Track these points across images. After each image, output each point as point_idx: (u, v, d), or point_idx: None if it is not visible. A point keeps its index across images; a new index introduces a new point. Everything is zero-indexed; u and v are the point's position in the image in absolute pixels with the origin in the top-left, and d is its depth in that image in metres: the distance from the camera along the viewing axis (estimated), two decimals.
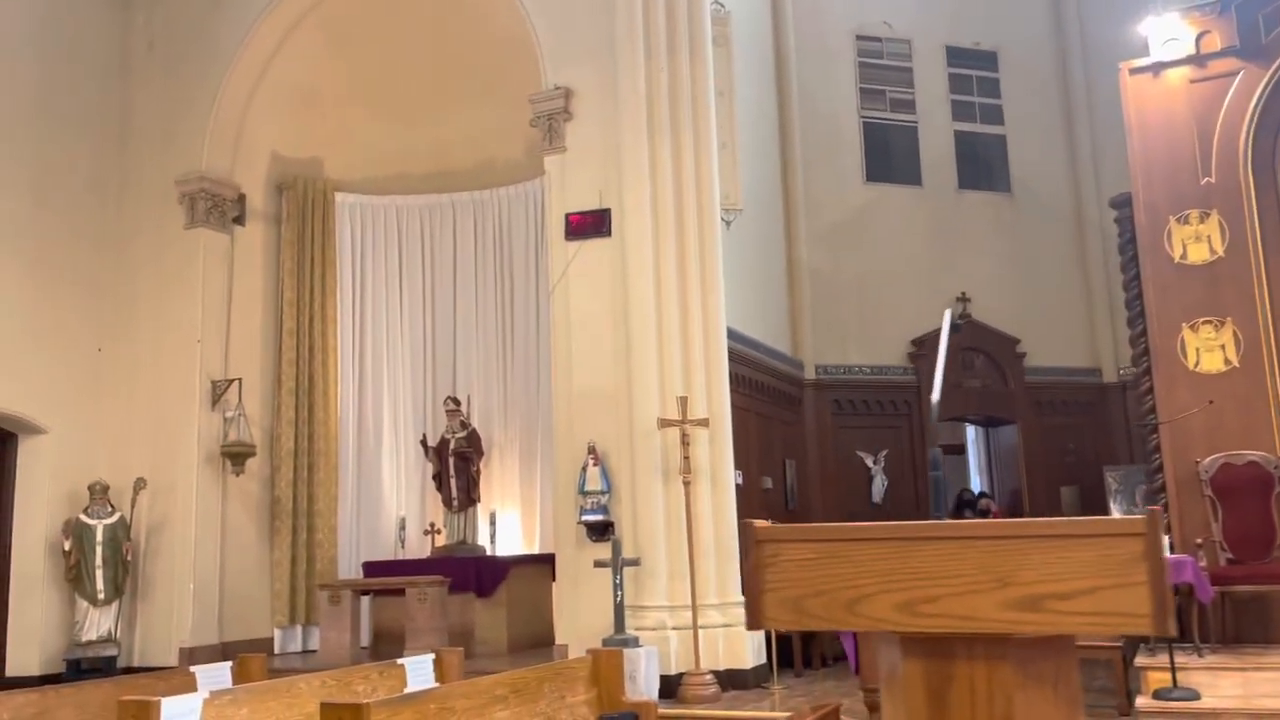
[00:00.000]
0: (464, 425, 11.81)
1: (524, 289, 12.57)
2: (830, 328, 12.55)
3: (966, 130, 13.72)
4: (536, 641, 11.16)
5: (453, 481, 11.64)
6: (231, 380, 11.35)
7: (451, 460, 11.64)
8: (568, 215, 9.61)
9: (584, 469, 9.08)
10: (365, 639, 10.96)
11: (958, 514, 10.81)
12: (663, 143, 9.33)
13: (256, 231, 12.27)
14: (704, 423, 8.65)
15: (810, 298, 12.45)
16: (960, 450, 14.48)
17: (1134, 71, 8.05)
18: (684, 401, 8.55)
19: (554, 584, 11.56)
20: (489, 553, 11.63)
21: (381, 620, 10.95)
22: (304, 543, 11.88)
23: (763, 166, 12.01)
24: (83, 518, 10.61)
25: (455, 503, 11.60)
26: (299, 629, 11.80)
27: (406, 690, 6.80)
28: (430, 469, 12.08)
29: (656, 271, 9.15)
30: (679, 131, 9.36)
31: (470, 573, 10.63)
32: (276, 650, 11.59)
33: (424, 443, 11.85)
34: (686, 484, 8.47)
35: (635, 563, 8.33)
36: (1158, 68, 8.05)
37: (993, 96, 13.89)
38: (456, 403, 11.86)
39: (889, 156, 13.35)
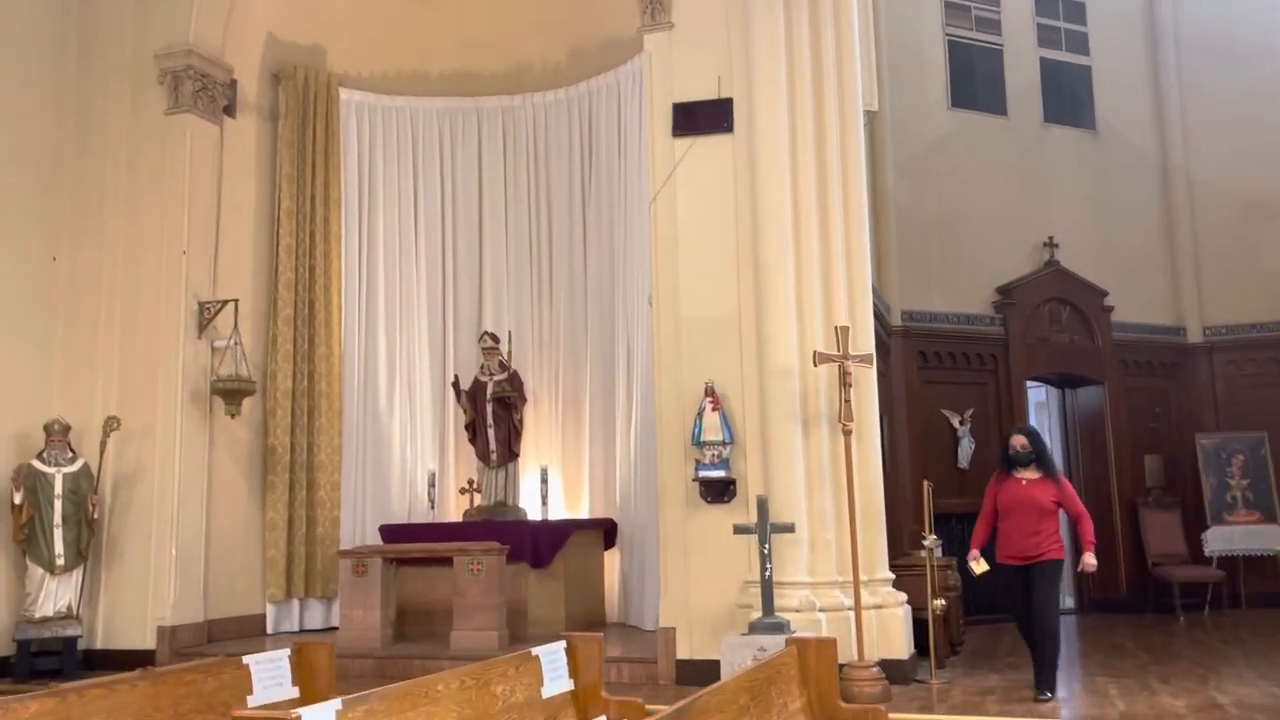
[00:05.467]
0: (503, 366, 9.98)
1: (564, 212, 10.76)
2: (913, 269, 11.06)
3: (1052, 58, 12.37)
4: (590, 621, 9.48)
5: (490, 432, 9.81)
6: (225, 302, 9.26)
7: (490, 407, 9.80)
8: (676, 105, 7.84)
9: (699, 414, 7.38)
10: None
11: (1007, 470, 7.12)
12: (799, 20, 7.64)
13: (249, 126, 10.14)
14: (868, 359, 7.05)
15: (895, 234, 10.92)
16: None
17: None
18: (844, 332, 6.92)
19: (606, 554, 9.98)
20: (531, 516, 9.85)
21: (406, 594, 9.08)
22: (303, 501, 9.92)
23: None
24: (37, 464, 8.45)
25: (494, 457, 9.77)
26: (295, 604, 9.85)
27: (545, 689, 5.36)
28: (459, 417, 10.23)
29: (794, 176, 7.48)
30: (818, 9, 7.68)
31: (525, 539, 8.85)
32: (269, 629, 9.64)
33: (456, 386, 9.97)
34: (847, 433, 6.85)
35: (789, 528, 6.70)
36: None
37: (1079, 23, 12.56)
38: (495, 339, 10.01)
39: (973, 81, 11.91)
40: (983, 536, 6.79)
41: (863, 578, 7.03)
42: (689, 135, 7.77)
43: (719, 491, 7.35)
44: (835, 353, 6.86)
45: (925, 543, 7.33)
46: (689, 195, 7.74)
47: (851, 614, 6.94)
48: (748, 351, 7.44)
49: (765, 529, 6.58)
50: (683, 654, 7.33)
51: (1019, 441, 6.70)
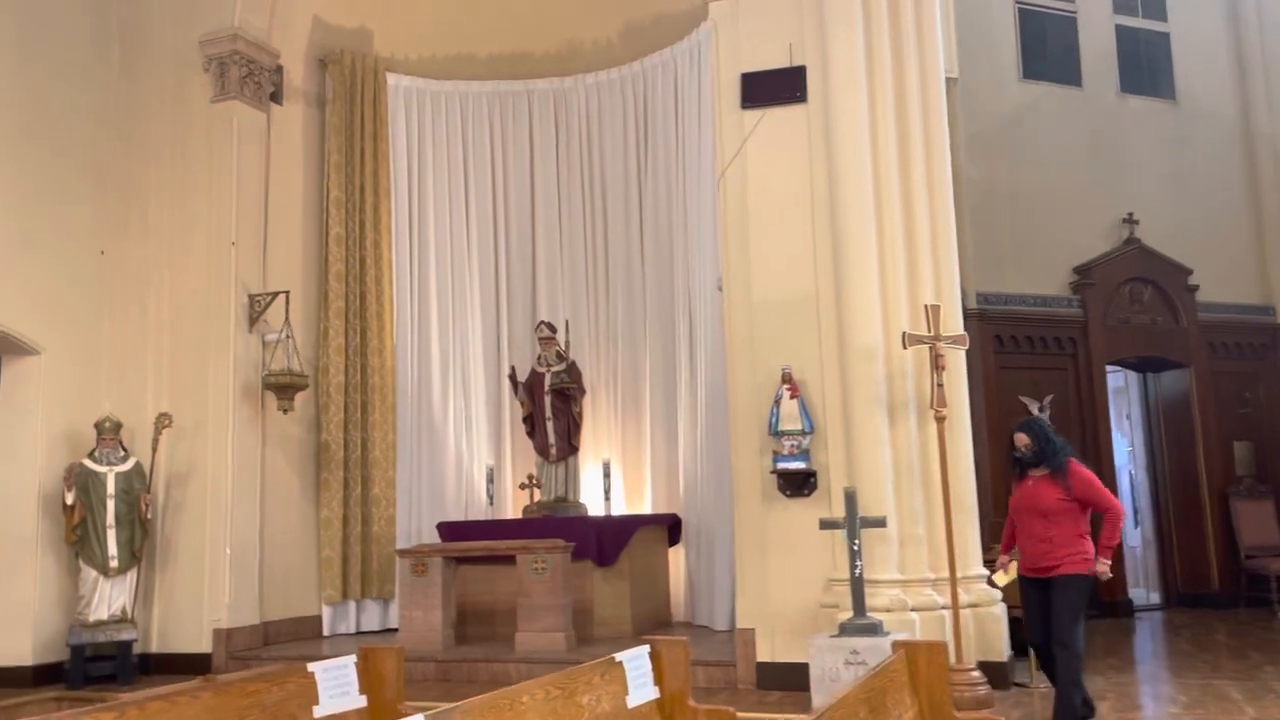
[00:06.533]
0: (561, 357, 9.60)
1: (620, 196, 10.37)
2: (987, 249, 10.52)
3: (1128, 25, 11.74)
4: (657, 621, 9.09)
5: (549, 425, 9.43)
6: (275, 294, 8.97)
7: (548, 399, 9.42)
8: (744, 75, 7.40)
9: (776, 402, 6.95)
10: None
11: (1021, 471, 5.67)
12: None
13: (296, 113, 9.85)
14: (961, 340, 6.57)
15: (967, 212, 10.37)
16: None
17: None
18: (935, 311, 6.44)
19: (671, 551, 9.58)
20: (592, 512, 9.47)
21: (466, 594, 8.74)
22: (357, 499, 9.62)
23: None
24: (88, 463, 8.22)
25: (553, 451, 9.39)
26: (352, 605, 9.56)
27: (630, 697, 5.02)
28: (515, 410, 9.88)
29: (873, 145, 7.02)
30: None
31: (589, 536, 8.47)
32: (326, 631, 9.37)
33: (513, 377, 9.62)
34: (940, 420, 6.38)
35: (880, 523, 6.24)
36: None
37: None
38: (552, 329, 9.63)
39: (1046, 51, 11.33)
40: (1007, 544, 5.75)
41: (957, 573, 6.56)
42: (759, 107, 7.33)
43: (798, 484, 6.92)
44: (925, 333, 6.39)
45: None
46: (760, 170, 7.30)
47: (945, 613, 6.49)
48: (827, 334, 6.99)
49: (854, 524, 6.13)
50: (763, 656, 6.92)
51: (1021, 440, 5.53)
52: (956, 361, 6.86)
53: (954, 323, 6.84)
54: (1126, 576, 10.70)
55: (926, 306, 6.49)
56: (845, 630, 6.05)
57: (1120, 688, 6.58)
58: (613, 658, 4.66)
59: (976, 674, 6.13)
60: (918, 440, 6.76)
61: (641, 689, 4.79)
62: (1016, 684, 6.68)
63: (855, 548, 6.13)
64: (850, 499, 6.21)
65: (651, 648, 4.89)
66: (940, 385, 6.35)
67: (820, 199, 7.12)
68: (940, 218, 7.05)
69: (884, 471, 6.70)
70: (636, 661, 4.79)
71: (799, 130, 7.24)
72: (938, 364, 6.35)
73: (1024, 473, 5.54)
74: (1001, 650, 6.64)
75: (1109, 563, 5.31)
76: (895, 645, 4.66)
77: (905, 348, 6.47)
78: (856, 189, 6.94)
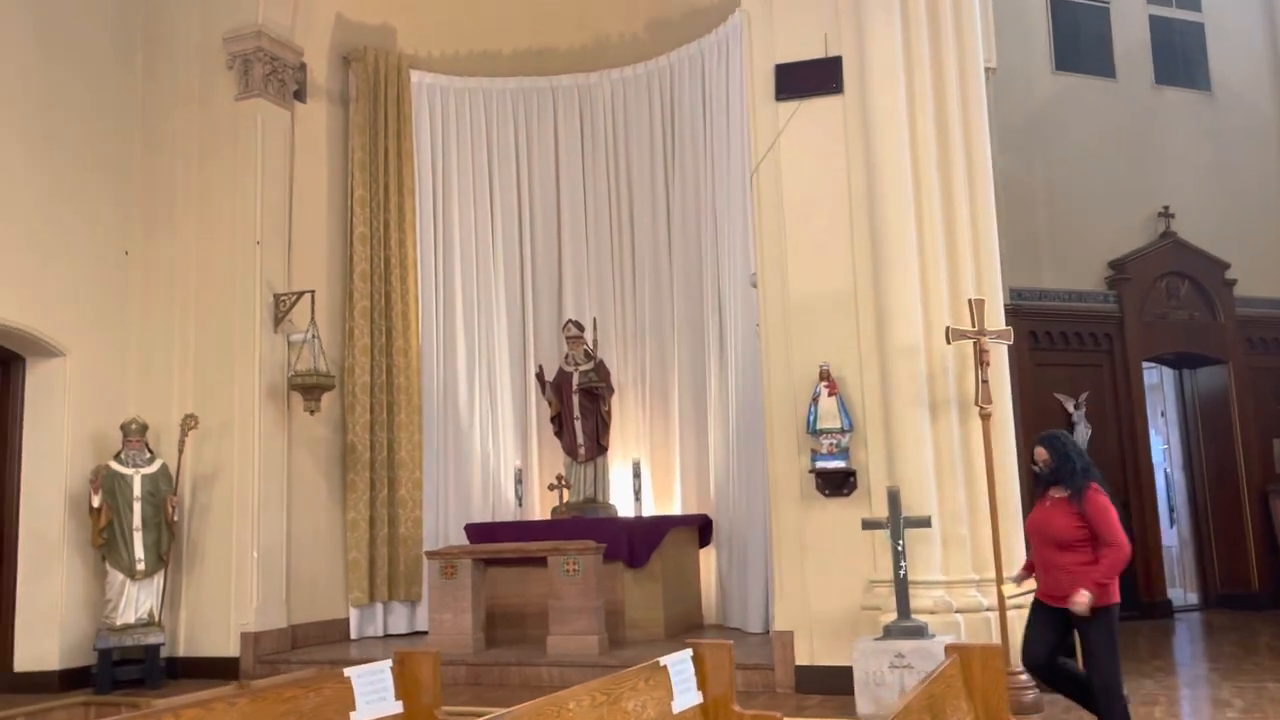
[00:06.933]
0: (589, 355, 9.46)
1: (646, 192, 10.23)
2: (1021, 244, 10.32)
3: (1162, 15, 11.53)
4: (689, 623, 8.95)
5: (578, 425, 9.29)
6: (301, 294, 8.87)
7: (576, 399, 9.29)
8: (778, 66, 7.25)
9: (814, 400, 6.79)
10: None
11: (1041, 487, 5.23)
12: None
13: (319, 111, 9.76)
14: (1005, 334, 6.41)
15: (1002, 206, 10.17)
16: None
17: None
18: (979, 305, 6.28)
19: (701, 552, 9.43)
20: (621, 512, 9.33)
21: (495, 596, 8.62)
22: (384, 501, 9.51)
23: None
24: (115, 465, 8.13)
25: (582, 451, 9.26)
26: (379, 608, 9.45)
27: (675, 702, 4.89)
28: (542, 410, 9.77)
29: (912, 136, 6.86)
30: None
31: (620, 537, 8.33)
32: (353, 634, 9.27)
33: (540, 376, 9.49)
34: (985, 417, 6.22)
35: (924, 523, 6.09)
36: None
37: None
38: (580, 328, 9.49)
39: (1079, 42, 11.13)
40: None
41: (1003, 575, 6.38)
42: (794, 98, 7.18)
43: (837, 484, 6.76)
44: (969, 328, 6.23)
45: None
46: (795, 162, 7.15)
47: (991, 615, 6.32)
48: (865, 330, 6.83)
49: (898, 524, 5.97)
50: (802, 660, 6.76)
51: (1040, 454, 5.00)
52: (998, 358, 6.69)
53: (996, 318, 6.67)
54: (1164, 577, 10.49)
55: (970, 301, 6.33)
56: (890, 633, 5.90)
57: (1170, 691, 6.40)
58: (657, 662, 4.52)
59: (1025, 677, 5.95)
60: (959, 438, 6.59)
61: (686, 694, 4.66)
62: None
63: (899, 548, 5.97)
64: (894, 498, 6.05)
65: (694, 651, 4.76)
66: (985, 382, 6.19)
67: (858, 192, 6.96)
68: (981, 211, 6.88)
69: (926, 470, 6.53)
70: (680, 666, 4.65)
71: (835, 122, 7.09)
72: (982, 359, 6.18)
73: (1045, 490, 5.05)
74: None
75: (1090, 595, 4.67)
76: (948, 650, 4.50)
77: (949, 343, 6.31)
78: (895, 181, 6.79)
